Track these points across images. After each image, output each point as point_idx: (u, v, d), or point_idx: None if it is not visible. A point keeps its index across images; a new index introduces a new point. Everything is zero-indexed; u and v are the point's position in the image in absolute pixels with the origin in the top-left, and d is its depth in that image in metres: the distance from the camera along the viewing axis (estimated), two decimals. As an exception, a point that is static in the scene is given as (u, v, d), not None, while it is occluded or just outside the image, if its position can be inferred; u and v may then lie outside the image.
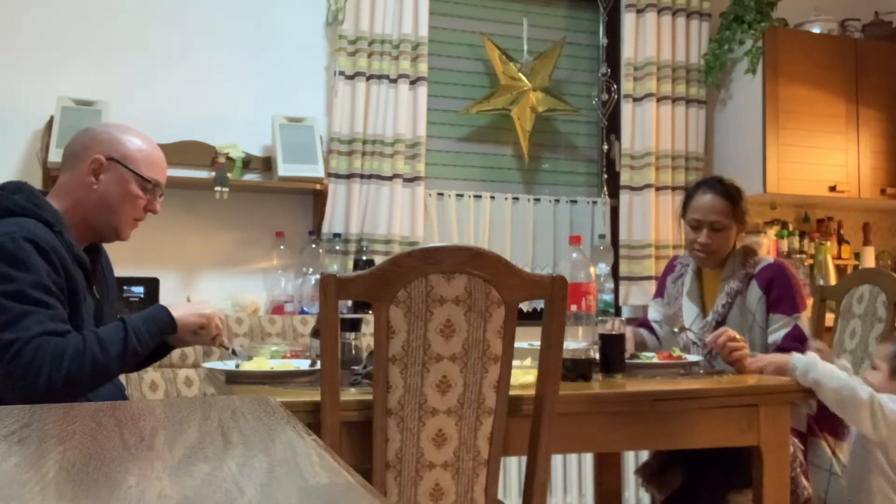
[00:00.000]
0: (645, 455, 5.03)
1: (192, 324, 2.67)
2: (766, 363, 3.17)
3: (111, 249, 2.90)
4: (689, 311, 3.62)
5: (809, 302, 3.95)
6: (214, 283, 4.73)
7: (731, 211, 3.50)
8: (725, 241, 3.52)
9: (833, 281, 5.33)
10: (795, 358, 2.95)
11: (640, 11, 5.48)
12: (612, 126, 5.67)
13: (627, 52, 5.47)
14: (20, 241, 2.38)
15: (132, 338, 2.48)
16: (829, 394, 2.83)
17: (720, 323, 3.48)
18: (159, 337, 2.60)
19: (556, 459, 4.98)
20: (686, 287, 3.66)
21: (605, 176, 5.65)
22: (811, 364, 2.88)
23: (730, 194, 3.53)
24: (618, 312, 5.35)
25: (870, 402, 2.84)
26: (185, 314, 2.65)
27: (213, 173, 4.49)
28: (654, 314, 3.82)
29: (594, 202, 5.59)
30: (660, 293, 3.84)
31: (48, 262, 2.41)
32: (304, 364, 2.83)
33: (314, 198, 4.93)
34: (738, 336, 3.17)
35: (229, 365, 2.77)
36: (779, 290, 3.46)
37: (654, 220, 5.35)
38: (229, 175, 4.51)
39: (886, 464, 3.01)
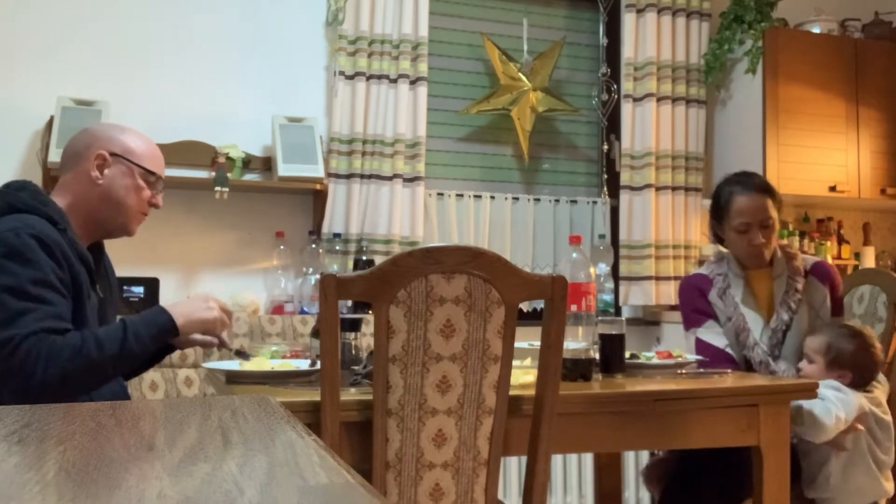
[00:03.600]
0: (644, 455, 5.03)
1: (194, 323, 2.65)
2: None
3: (112, 249, 2.91)
4: (755, 321, 3.44)
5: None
6: (214, 283, 4.73)
7: (773, 204, 3.46)
8: (775, 234, 3.48)
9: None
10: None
11: (640, 11, 5.48)
12: (612, 126, 5.67)
13: (627, 52, 5.47)
14: (24, 236, 2.39)
15: (130, 339, 2.47)
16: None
17: (790, 321, 3.40)
18: (159, 340, 2.57)
19: (556, 459, 4.98)
20: (739, 297, 3.47)
21: (605, 176, 5.65)
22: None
23: (767, 188, 3.49)
24: (618, 312, 5.35)
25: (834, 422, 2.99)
26: (187, 320, 2.60)
27: (213, 173, 4.49)
28: (720, 339, 3.47)
29: (594, 202, 5.59)
30: (705, 315, 3.53)
31: (53, 259, 2.42)
32: (304, 364, 2.83)
33: (314, 198, 4.94)
34: None
35: (230, 365, 2.77)
36: (840, 290, 3.51)
37: (654, 219, 5.35)
38: (229, 175, 4.51)
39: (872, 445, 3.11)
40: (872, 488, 3.11)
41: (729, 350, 3.42)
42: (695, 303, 3.55)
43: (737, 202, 3.45)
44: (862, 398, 3.09)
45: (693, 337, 3.50)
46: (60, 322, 2.40)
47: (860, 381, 3.15)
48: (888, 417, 3.17)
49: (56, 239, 2.45)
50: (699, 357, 3.27)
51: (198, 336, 2.67)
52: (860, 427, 3.07)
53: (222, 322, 2.71)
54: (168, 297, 4.51)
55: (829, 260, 5.57)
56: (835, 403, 2.99)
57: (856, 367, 3.15)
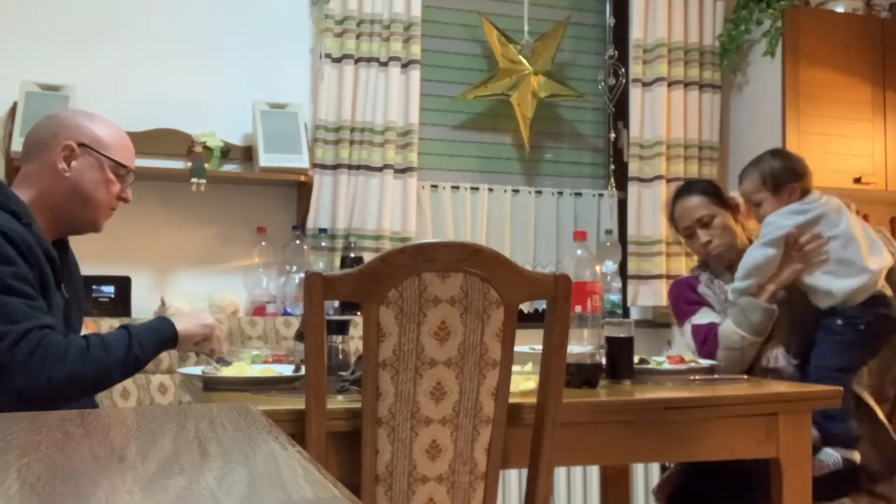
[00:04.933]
0: (654, 468, 5.04)
1: (195, 335, 2.74)
2: None
3: (79, 245, 2.91)
4: None
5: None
6: (191, 283, 4.73)
7: (710, 201, 3.66)
8: (724, 230, 3.63)
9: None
10: None
11: (649, -11, 5.49)
12: (620, 113, 5.67)
13: (636, 32, 5.47)
14: None
15: (135, 345, 2.54)
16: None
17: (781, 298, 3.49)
18: (161, 348, 2.65)
19: (560, 473, 4.99)
20: (727, 285, 3.63)
21: (612, 166, 5.66)
22: None
23: (702, 189, 3.73)
24: (626, 313, 5.35)
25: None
26: (188, 327, 2.72)
27: (190, 164, 4.49)
28: (716, 317, 3.62)
29: (600, 195, 5.59)
30: (698, 304, 3.68)
31: (20, 255, 2.42)
32: (287, 369, 2.83)
33: (298, 190, 4.93)
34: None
35: (207, 370, 2.78)
36: None
37: (664, 214, 5.35)
38: (207, 166, 4.51)
39: None
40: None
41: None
42: (686, 296, 3.73)
43: (675, 212, 3.76)
44: (793, 218, 3.33)
45: (688, 327, 3.62)
46: (51, 318, 2.43)
47: (808, 187, 3.45)
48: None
49: (22, 234, 2.45)
50: (712, 362, 3.28)
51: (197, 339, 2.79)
52: (800, 238, 3.32)
53: (218, 338, 2.78)
54: (140, 298, 4.51)
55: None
56: (756, 246, 3.34)
57: (796, 176, 3.42)
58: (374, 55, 4.92)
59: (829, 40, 5.42)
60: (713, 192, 3.70)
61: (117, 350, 2.48)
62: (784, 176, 3.39)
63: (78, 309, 2.82)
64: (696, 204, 3.65)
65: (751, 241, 3.68)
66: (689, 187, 3.77)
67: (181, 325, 2.69)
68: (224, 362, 2.90)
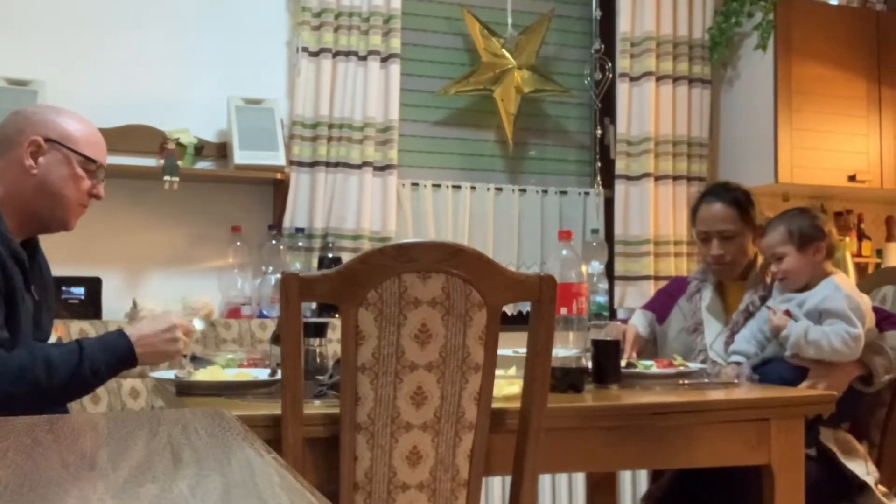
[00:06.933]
0: (642, 475, 5.04)
1: (157, 362, 2.72)
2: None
3: (48, 245, 2.89)
4: (712, 328, 3.65)
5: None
6: (163, 284, 4.72)
7: (739, 217, 3.63)
8: (739, 249, 3.63)
9: (852, 281, 5.34)
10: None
11: (637, -19, 5.49)
12: (607, 108, 5.68)
13: (623, 25, 5.48)
14: None
15: (85, 366, 2.48)
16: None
17: (734, 335, 3.52)
18: (117, 370, 2.59)
19: (544, 480, 4.99)
20: (705, 302, 3.70)
21: (599, 164, 5.66)
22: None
23: (736, 200, 3.67)
24: (612, 315, 5.36)
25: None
26: (147, 352, 2.63)
27: (162, 161, 4.47)
28: (644, 328, 3.82)
29: (586, 193, 5.59)
30: (652, 307, 3.90)
31: None
32: (263, 373, 2.83)
33: (274, 188, 4.93)
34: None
35: (180, 374, 2.77)
36: None
37: (652, 213, 5.37)
38: (180, 163, 4.50)
39: None
40: None
41: (636, 327, 3.73)
42: (658, 295, 4.04)
43: (700, 210, 3.75)
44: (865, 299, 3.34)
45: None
46: (4, 333, 2.40)
47: (832, 249, 3.41)
48: None
49: (-13, 235, 2.44)
50: (702, 365, 3.30)
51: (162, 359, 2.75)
52: None
53: (184, 341, 2.74)
54: (111, 299, 4.49)
55: (849, 258, 5.59)
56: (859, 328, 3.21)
57: (823, 234, 3.37)
58: (352, 49, 4.91)
59: (822, 34, 5.44)
60: (745, 206, 3.66)
61: (63, 371, 2.43)
62: (812, 233, 3.35)
63: (48, 311, 2.81)
64: (723, 215, 3.63)
65: (756, 257, 3.69)
66: (722, 192, 3.73)
67: (141, 349, 2.60)
68: (199, 362, 2.89)
